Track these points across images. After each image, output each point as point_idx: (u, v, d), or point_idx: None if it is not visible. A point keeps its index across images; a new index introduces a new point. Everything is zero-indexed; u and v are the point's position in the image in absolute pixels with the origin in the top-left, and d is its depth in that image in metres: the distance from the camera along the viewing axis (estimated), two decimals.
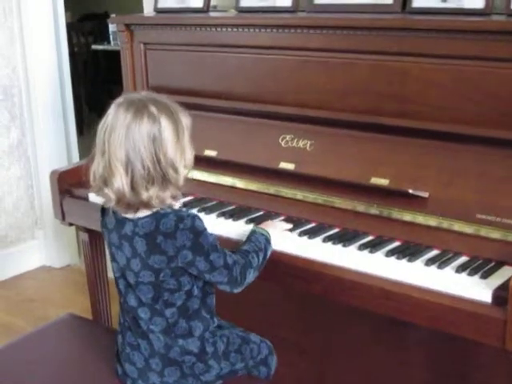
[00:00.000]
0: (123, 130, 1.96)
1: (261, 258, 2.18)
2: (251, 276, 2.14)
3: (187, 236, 1.99)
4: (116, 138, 1.97)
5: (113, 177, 1.98)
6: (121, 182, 1.97)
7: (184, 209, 2.35)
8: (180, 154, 2.02)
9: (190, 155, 2.09)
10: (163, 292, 2.06)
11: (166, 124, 1.99)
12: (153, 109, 1.99)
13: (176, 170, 2.01)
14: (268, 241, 2.25)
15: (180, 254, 2.00)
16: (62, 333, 2.60)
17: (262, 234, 2.26)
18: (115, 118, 2.00)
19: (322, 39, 2.62)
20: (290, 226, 2.44)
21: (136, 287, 2.08)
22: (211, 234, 2.06)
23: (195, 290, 2.11)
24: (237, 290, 2.13)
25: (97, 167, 2.03)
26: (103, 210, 2.18)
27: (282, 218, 2.52)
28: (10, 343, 2.55)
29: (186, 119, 2.08)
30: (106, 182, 2.01)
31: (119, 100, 2.06)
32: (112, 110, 2.02)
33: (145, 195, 1.98)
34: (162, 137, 1.97)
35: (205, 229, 2.05)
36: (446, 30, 2.33)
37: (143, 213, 2.03)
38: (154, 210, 2.02)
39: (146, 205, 2.00)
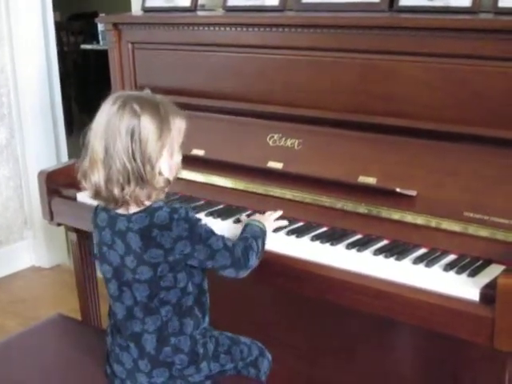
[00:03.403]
0: (104, 123, 1.99)
1: (260, 244, 2.19)
2: (254, 259, 2.14)
3: (183, 227, 2.00)
4: (97, 131, 2.00)
5: (91, 170, 2.01)
6: (97, 175, 2.00)
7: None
8: (159, 153, 2.01)
9: (177, 158, 2.10)
10: (160, 290, 2.06)
11: (147, 121, 1.98)
12: (135, 105, 1.99)
13: (153, 168, 2.00)
14: (263, 231, 2.26)
15: (177, 246, 2.00)
16: (51, 333, 2.60)
17: (256, 225, 2.27)
18: (102, 112, 2.03)
19: (310, 38, 2.62)
20: (285, 222, 2.45)
21: (132, 285, 2.08)
22: (206, 224, 2.08)
23: (190, 286, 2.10)
24: (242, 273, 2.12)
25: (84, 160, 2.05)
26: (96, 209, 2.17)
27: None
28: None
29: (179, 122, 2.09)
30: (85, 174, 2.04)
31: (112, 95, 2.08)
32: (103, 104, 2.05)
33: (117, 192, 1.99)
34: (141, 133, 1.97)
35: (199, 219, 2.07)
36: (433, 28, 2.34)
37: (136, 208, 2.04)
38: (141, 205, 2.03)
39: (120, 201, 2.01)
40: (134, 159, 1.97)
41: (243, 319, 2.96)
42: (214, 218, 2.55)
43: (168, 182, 2.08)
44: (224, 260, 2.07)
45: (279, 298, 2.95)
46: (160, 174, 2.03)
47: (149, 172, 1.99)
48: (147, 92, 2.13)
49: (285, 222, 2.45)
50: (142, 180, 1.98)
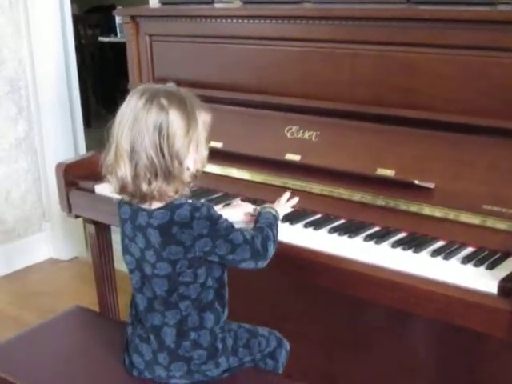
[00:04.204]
0: (131, 118, 1.97)
1: (274, 231, 2.19)
2: (272, 248, 2.14)
3: (204, 224, 1.99)
4: (123, 125, 1.98)
5: (117, 165, 1.99)
6: (124, 170, 1.98)
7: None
8: (188, 148, 2.00)
9: (203, 151, 2.08)
10: (179, 285, 2.06)
11: (175, 116, 1.97)
12: (163, 99, 1.98)
13: (181, 163, 1.99)
14: (276, 217, 2.26)
15: (197, 243, 2.00)
16: (69, 325, 2.61)
17: (269, 212, 2.27)
18: (127, 105, 2.01)
19: (328, 30, 2.61)
20: (296, 199, 2.46)
21: (151, 279, 2.08)
22: (226, 220, 2.07)
23: (210, 281, 2.11)
24: (262, 264, 2.11)
25: (108, 154, 2.04)
26: (120, 202, 2.17)
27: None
28: (18, 335, 2.56)
29: (204, 115, 2.08)
30: (111, 169, 2.02)
31: (138, 88, 2.07)
32: (128, 97, 2.04)
33: (144, 188, 1.98)
34: (169, 128, 1.96)
35: (220, 216, 2.06)
36: (452, 20, 2.32)
37: (158, 204, 2.03)
38: (168, 200, 2.02)
39: (148, 197, 2.01)
40: (163, 155, 1.95)
41: (259, 311, 2.96)
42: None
43: (194, 176, 2.08)
44: (244, 253, 2.06)
45: (296, 289, 2.95)
46: (188, 169, 2.03)
47: (177, 167, 1.98)
48: (171, 85, 2.11)
49: (296, 200, 2.46)
50: (169, 175, 1.97)
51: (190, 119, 2.00)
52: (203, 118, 2.07)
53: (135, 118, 1.96)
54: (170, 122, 1.96)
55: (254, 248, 2.08)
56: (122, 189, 2.03)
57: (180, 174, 2.00)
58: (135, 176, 1.97)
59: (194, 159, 2.05)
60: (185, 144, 1.99)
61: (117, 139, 2.00)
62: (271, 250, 2.13)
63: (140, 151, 1.95)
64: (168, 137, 1.96)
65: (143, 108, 1.97)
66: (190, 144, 2.01)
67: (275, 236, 2.18)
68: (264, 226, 2.18)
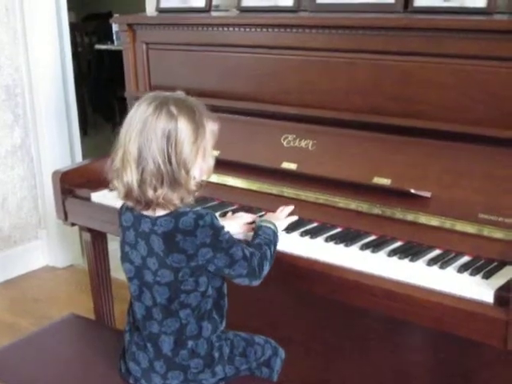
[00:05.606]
0: (140, 124, 1.98)
1: (272, 250, 2.18)
2: (267, 268, 2.13)
3: (207, 233, 2.00)
4: (132, 131, 1.99)
5: (124, 170, 2.00)
6: (131, 176, 1.98)
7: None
8: (195, 156, 2.01)
9: (210, 161, 2.10)
10: (180, 293, 2.06)
11: (183, 124, 1.98)
12: (172, 107, 1.99)
13: (188, 172, 2.00)
14: (275, 233, 2.25)
15: (200, 252, 2.00)
16: (64, 333, 2.60)
17: (269, 227, 2.26)
18: (136, 111, 2.02)
19: (324, 39, 2.61)
20: (295, 217, 2.45)
21: (152, 287, 2.08)
22: (228, 232, 2.07)
23: (210, 290, 2.11)
24: (255, 283, 2.12)
25: (115, 159, 2.04)
26: (121, 209, 2.17)
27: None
28: (13, 343, 2.55)
29: (212, 125, 2.09)
30: (118, 174, 2.03)
31: (147, 95, 2.08)
32: (137, 103, 2.04)
33: (150, 194, 1.98)
34: (178, 136, 1.96)
35: (223, 227, 2.06)
36: (448, 29, 2.33)
37: (162, 211, 2.03)
38: (172, 208, 2.02)
39: (154, 203, 2.00)
40: (170, 162, 1.96)
41: (256, 319, 2.96)
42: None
43: (200, 185, 2.08)
44: (241, 269, 2.07)
45: (292, 297, 2.95)
46: (194, 177, 2.03)
47: (183, 176, 1.98)
48: (180, 93, 2.12)
49: (295, 218, 2.45)
50: (175, 183, 1.98)
51: (198, 128, 2.01)
52: (210, 126, 2.08)
53: (144, 125, 1.97)
54: (178, 129, 1.97)
55: (251, 266, 2.08)
56: (127, 194, 2.03)
57: (186, 183, 2.00)
58: (141, 182, 1.98)
59: (200, 168, 2.06)
60: (192, 152, 2.00)
61: (124, 144, 2.00)
62: (266, 270, 2.13)
63: (147, 157, 1.96)
64: (176, 144, 1.96)
65: (152, 115, 1.97)
66: (198, 152, 2.02)
67: (272, 255, 2.18)
68: (263, 243, 2.17)
